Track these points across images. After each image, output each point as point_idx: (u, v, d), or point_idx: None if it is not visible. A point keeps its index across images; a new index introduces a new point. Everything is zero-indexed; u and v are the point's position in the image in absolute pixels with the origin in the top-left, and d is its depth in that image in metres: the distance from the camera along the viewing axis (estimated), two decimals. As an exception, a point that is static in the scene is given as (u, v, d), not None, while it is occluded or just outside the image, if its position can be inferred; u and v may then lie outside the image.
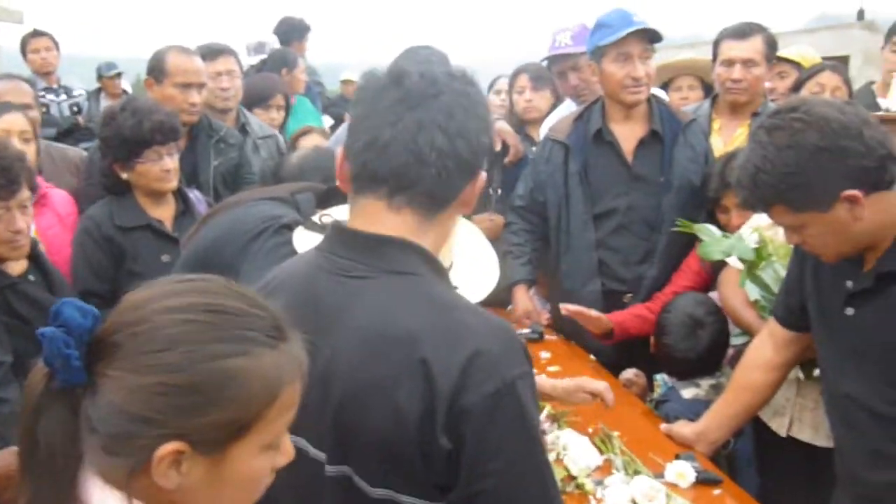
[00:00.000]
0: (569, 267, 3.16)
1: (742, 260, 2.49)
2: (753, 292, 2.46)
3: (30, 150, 2.78)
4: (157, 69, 3.30)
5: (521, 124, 4.04)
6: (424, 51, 3.52)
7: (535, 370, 2.56)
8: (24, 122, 2.90)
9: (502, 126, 3.72)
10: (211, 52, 3.73)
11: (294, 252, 1.93)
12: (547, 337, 3.15)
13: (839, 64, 3.61)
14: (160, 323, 0.93)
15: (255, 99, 4.19)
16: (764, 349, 2.22)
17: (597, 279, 3.10)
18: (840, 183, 1.69)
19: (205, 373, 0.92)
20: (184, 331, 0.93)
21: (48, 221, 2.89)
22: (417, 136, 1.18)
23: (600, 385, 2.26)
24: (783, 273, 2.24)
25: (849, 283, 1.86)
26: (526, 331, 3.11)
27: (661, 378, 2.70)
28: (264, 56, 5.20)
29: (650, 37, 2.95)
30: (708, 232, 2.61)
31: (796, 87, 3.58)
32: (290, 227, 2.04)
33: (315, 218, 2.09)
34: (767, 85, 4.17)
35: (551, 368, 2.77)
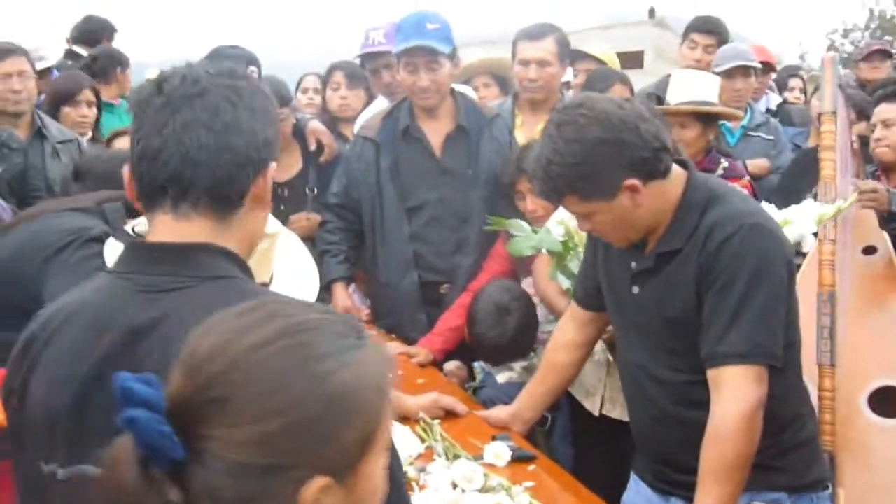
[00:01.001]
0: (385, 261, 3.22)
1: (550, 252, 2.65)
2: (565, 282, 2.61)
3: None
4: None
5: (335, 122, 4.05)
6: (230, 50, 3.46)
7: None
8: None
9: (315, 125, 3.72)
10: None
11: (104, 265, 1.85)
12: (367, 332, 3.18)
13: (624, 77, 3.85)
14: (255, 362, 0.85)
15: (61, 97, 3.98)
16: (567, 330, 2.37)
17: (413, 271, 3.18)
18: (621, 172, 1.84)
19: (322, 397, 0.85)
20: (284, 362, 0.86)
21: None
22: (183, 137, 1.16)
23: (450, 400, 2.42)
24: None
25: (633, 264, 2.02)
26: (345, 327, 3.14)
27: (478, 365, 2.82)
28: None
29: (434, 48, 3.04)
30: (519, 226, 2.74)
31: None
32: (99, 240, 1.95)
33: (127, 228, 2.01)
34: (575, 80, 4.44)
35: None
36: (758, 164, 3.95)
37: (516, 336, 2.65)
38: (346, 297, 3.32)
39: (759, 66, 4.24)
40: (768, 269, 1.84)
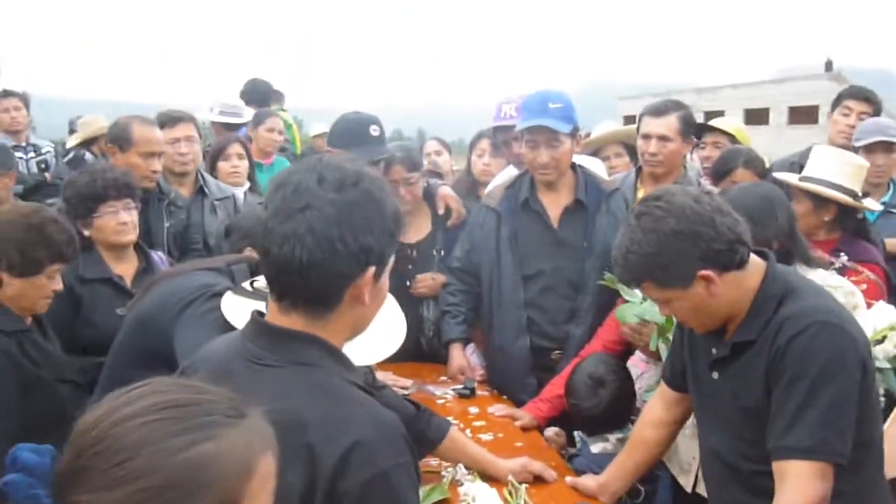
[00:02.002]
0: (500, 325, 3.38)
1: (653, 322, 2.72)
2: (665, 352, 2.68)
3: None
4: (122, 138, 3.53)
5: (476, 186, 4.28)
6: (353, 115, 3.75)
7: (462, 425, 2.79)
8: None
9: (445, 190, 3.96)
10: (171, 119, 3.96)
11: (222, 317, 2.14)
12: (479, 392, 3.34)
13: (755, 156, 3.80)
14: (119, 434, 0.93)
15: (215, 153, 4.52)
16: (655, 408, 2.44)
17: (526, 336, 3.33)
18: (696, 263, 1.92)
19: (176, 467, 0.92)
20: (143, 434, 0.93)
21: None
22: (283, 248, 1.34)
23: (539, 466, 2.51)
24: None
25: (714, 350, 2.09)
26: (459, 387, 3.31)
27: (577, 434, 2.90)
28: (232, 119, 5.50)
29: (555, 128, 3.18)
30: (629, 293, 2.83)
31: (716, 179, 3.78)
32: (221, 295, 2.26)
33: (245, 284, 2.31)
34: (703, 154, 4.46)
35: (477, 423, 2.97)
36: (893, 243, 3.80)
37: (610, 408, 2.72)
38: (462, 357, 3.50)
39: None
40: (837, 367, 1.85)
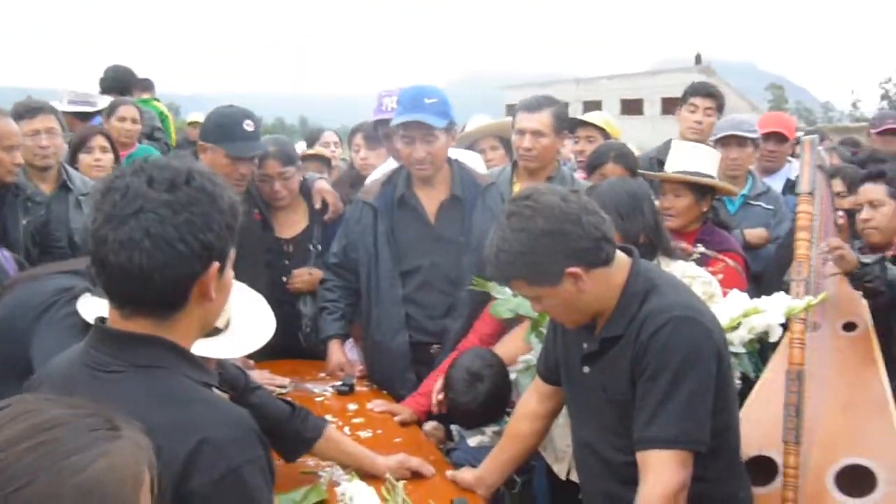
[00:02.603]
0: (378, 321, 3.38)
1: (526, 317, 2.78)
2: (537, 345, 2.74)
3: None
4: None
5: (360, 179, 4.25)
6: (227, 109, 3.66)
7: (341, 422, 2.77)
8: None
9: (321, 185, 3.92)
10: (29, 110, 3.75)
11: (81, 321, 2.06)
12: (359, 388, 3.32)
13: (626, 151, 3.89)
14: (9, 460, 0.91)
15: (75, 146, 4.30)
16: (530, 401, 2.50)
17: (404, 332, 3.34)
18: (564, 261, 1.97)
19: (75, 489, 0.92)
20: (35, 458, 0.91)
21: None
22: (120, 255, 1.31)
23: (416, 461, 2.53)
24: None
25: (585, 345, 2.16)
26: (337, 383, 3.29)
27: (454, 428, 2.93)
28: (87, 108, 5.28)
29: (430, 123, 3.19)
30: (500, 290, 2.88)
31: (588, 172, 3.88)
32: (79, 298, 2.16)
33: None
34: (577, 148, 4.58)
35: (356, 420, 2.95)
36: (755, 233, 4.02)
37: (487, 402, 2.76)
38: (341, 353, 3.48)
39: (755, 136, 4.29)
40: (695, 360, 1.95)
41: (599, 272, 2.02)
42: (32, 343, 2.11)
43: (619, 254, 2.11)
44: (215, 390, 1.51)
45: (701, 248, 3.16)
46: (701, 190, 3.48)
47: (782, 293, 2.78)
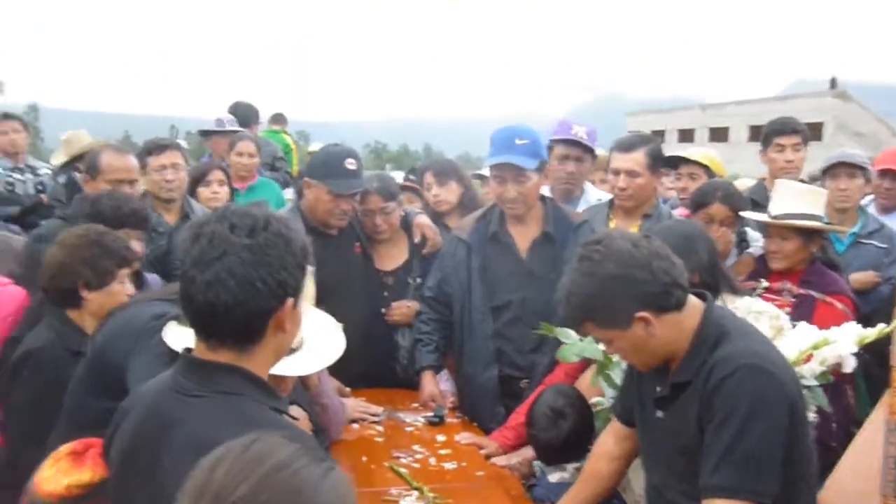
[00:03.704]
0: (470, 354, 3.46)
1: (593, 360, 2.81)
2: (607, 390, 2.77)
3: None
4: (91, 166, 3.68)
5: (436, 217, 4.35)
6: (332, 148, 3.85)
7: (428, 452, 2.87)
8: None
9: (422, 219, 4.05)
10: (157, 147, 4.06)
11: (169, 348, 2.25)
12: (450, 420, 3.40)
13: (733, 192, 3.76)
14: (273, 484, 1.06)
15: (195, 179, 4.62)
16: (607, 442, 2.50)
17: (494, 366, 3.41)
18: (633, 306, 2.00)
19: (332, 492, 1.10)
20: (296, 483, 1.07)
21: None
22: (207, 294, 1.47)
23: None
24: None
25: (658, 389, 2.16)
26: (429, 414, 3.38)
27: (536, 464, 2.96)
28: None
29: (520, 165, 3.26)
30: (566, 335, 2.90)
31: (692, 210, 3.79)
32: None
33: None
34: (679, 185, 4.52)
35: (442, 451, 3.03)
36: (861, 277, 3.85)
37: (569, 439, 2.78)
38: (433, 385, 3.57)
39: (866, 167, 4.11)
40: (763, 409, 1.92)
41: (670, 317, 2.03)
42: (129, 366, 2.31)
43: (693, 299, 2.11)
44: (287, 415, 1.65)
45: (763, 283, 3.14)
46: (809, 232, 3.39)
47: (852, 323, 2.69)
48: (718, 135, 39.09)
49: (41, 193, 5.93)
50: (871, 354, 3.10)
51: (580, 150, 4.08)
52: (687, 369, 2.06)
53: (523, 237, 3.43)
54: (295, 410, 2.40)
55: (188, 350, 1.61)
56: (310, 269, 2.59)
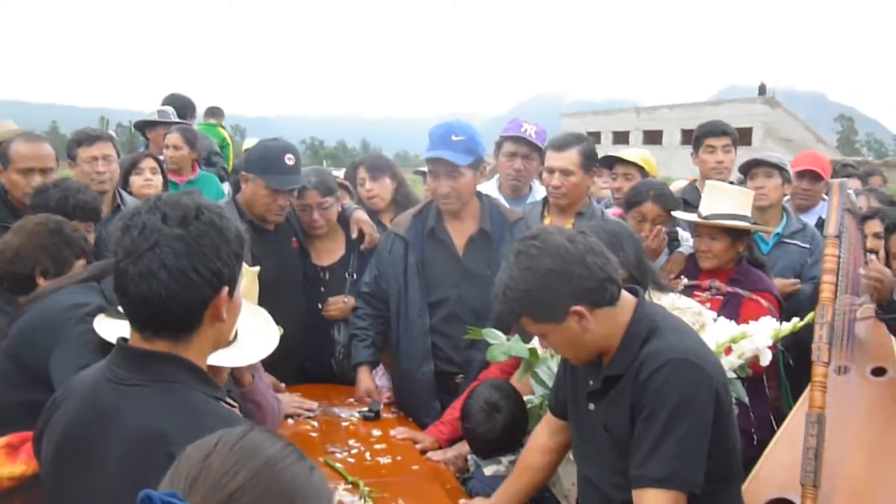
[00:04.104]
0: (406, 349, 3.47)
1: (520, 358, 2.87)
2: (537, 388, 2.83)
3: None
4: (2, 156, 3.60)
5: (370, 214, 4.30)
6: (271, 143, 3.82)
7: (363, 447, 2.85)
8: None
9: (359, 215, 4.03)
10: (88, 138, 3.96)
11: (97, 338, 2.21)
12: (385, 415, 3.40)
13: (665, 192, 3.88)
14: (270, 475, 1.09)
15: (126, 168, 4.57)
16: (541, 435, 2.55)
17: (430, 361, 3.43)
18: (569, 300, 2.03)
19: (315, 497, 1.11)
20: (290, 475, 1.10)
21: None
22: (140, 285, 1.46)
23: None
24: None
25: (591, 382, 2.20)
26: (364, 409, 3.38)
27: (470, 458, 2.99)
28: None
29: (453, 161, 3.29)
30: (493, 335, 2.96)
31: (626, 209, 3.89)
32: (93, 315, 2.31)
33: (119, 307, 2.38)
34: (614, 185, 4.60)
35: (378, 446, 3.04)
36: (784, 283, 3.93)
37: (504, 432, 2.82)
38: (369, 380, 3.57)
39: (784, 166, 4.23)
40: (691, 402, 1.98)
41: (604, 312, 2.08)
42: (51, 356, 2.27)
43: (626, 294, 2.16)
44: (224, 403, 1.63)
45: (684, 280, 3.26)
46: (737, 232, 3.50)
47: (768, 317, 2.80)
48: (653, 137, 39.91)
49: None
50: (795, 351, 3.23)
51: (528, 147, 4.14)
52: (619, 363, 2.11)
53: (460, 234, 3.46)
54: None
55: (124, 340, 1.59)
56: (254, 270, 2.61)
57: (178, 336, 1.52)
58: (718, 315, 3.49)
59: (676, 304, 2.85)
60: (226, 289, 1.53)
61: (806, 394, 2.94)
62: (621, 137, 41.22)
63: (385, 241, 3.63)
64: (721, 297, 3.58)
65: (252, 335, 2.16)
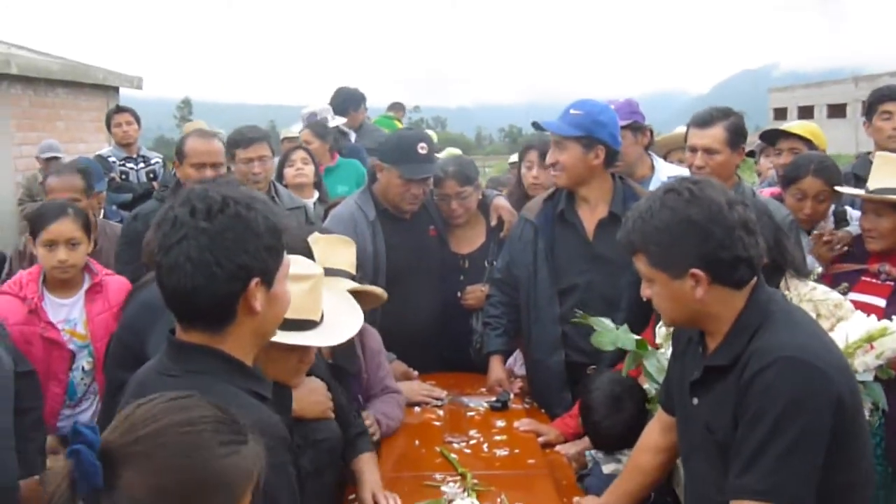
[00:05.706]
0: (536, 339, 3.37)
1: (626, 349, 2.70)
2: (647, 376, 2.65)
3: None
4: (178, 152, 3.84)
5: (527, 198, 4.20)
6: (405, 132, 3.83)
7: (482, 438, 2.82)
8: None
9: (499, 201, 3.97)
10: (245, 140, 4.12)
11: None
12: (515, 406, 3.32)
13: (828, 164, 3.54)
14: (173, 434, 1.17)
15: (280, 163, 4.85)
16: (653, 431, 2.37)
17: (560, 351, 3.30)
18: (693, 260, 1.85)
19: (212, 471, 1.17)
20: (194, 440, 1.17)
21: (99, 308, 3.33)
22: (171, 278, 1.49)
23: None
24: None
25: (695, 373, 2.01)
26: (492, 399, 3.32)
27: (589, 453, 2.85)
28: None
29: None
30: (601, 324, 2.80)
31: (784, 186, 3.60)
32: None
33: None
34: (779, 161, 4.21)
35: (498, 437, 2.97)
36: None
37: (628, 426, 2.65)
38: (500, 370, 3.50)
39: None
40: (801, 407, 1.74)
41: (723, 290, 1.88)
42: (149, 340, 2.39)
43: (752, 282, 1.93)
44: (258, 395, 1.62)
45: (818, 269, 2.97)
46: None
47: None
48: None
49: (153, 181, 6.28)
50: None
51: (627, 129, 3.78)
52: (724, 353, 1.91)
53: (591, 218, 3.30)
54: (312, 381, 2.41)
55: (172, 332, 1.64)
56: (348, 240, 2.64)
57: (212, 328, 1.54)
58: (887, 304, 3.12)
59: (814, 297, 2.56)
60: (256, 281, 1.52)
61: None
62: (837, 111, 37.91)
63: (517, 226, 3.54)
64: (893, 283, 3.19)
65: (337, 319, 2.18)
